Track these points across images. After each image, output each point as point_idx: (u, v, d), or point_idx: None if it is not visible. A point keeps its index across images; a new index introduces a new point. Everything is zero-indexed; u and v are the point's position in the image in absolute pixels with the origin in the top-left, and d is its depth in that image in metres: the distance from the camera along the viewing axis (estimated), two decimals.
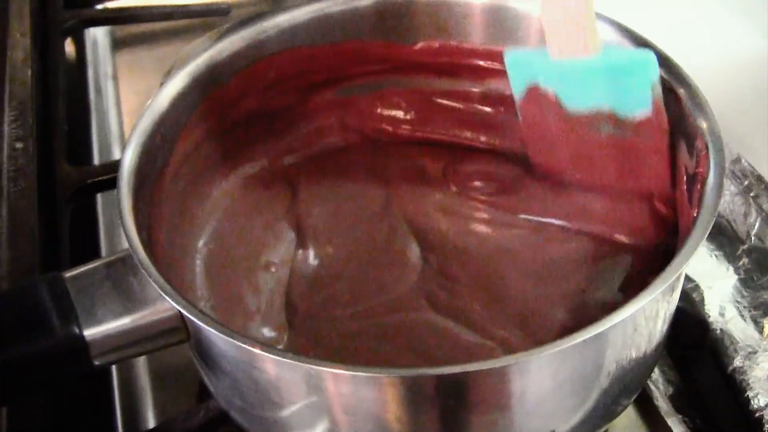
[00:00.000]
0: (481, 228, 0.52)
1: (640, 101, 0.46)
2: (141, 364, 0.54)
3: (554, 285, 0.48)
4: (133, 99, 0.75)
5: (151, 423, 0.51)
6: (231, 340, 0.36)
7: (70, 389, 0.51)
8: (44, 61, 0.72)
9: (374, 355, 0.46)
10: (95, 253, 0.62)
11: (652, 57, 0.45)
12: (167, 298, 0.37)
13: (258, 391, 0.39)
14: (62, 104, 0.68)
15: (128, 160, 0.43)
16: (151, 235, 0.44)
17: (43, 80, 0.69)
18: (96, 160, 0.70)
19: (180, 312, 0.39)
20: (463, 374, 0.35)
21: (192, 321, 0.37)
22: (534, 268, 0.49)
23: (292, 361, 0.35)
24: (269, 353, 0.36)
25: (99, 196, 0.65)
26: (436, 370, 0.35)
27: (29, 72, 0.66)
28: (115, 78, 0.78)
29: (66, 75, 0.73)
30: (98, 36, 0.82)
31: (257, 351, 0.36)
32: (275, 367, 0.37)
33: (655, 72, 0.45)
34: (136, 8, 0.79)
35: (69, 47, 0.82)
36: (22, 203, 0.57)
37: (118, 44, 0.81)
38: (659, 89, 0.45)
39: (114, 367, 0.55)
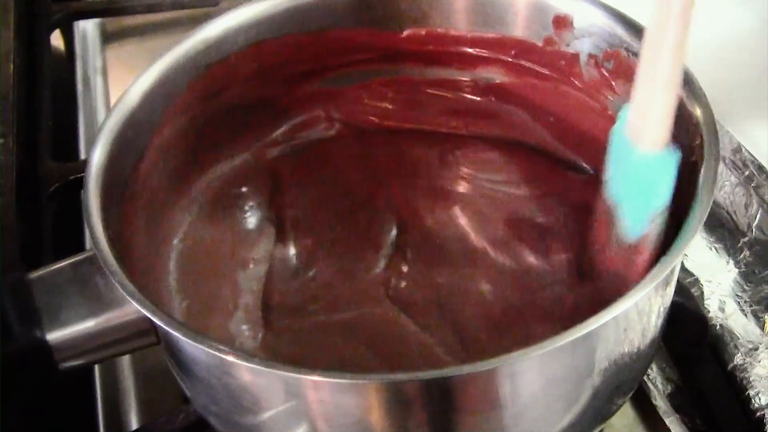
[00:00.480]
0: (462, 223, 0.51)
1: (635, 225, 0.40)
2: (125, 364, 0.53)
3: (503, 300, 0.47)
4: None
5: (134, 424, 0.50)
6: (197, 344, 0.34)
7: (52, 390, 0.50)
8: (30, 54, 0.71)
9: (336, 352, 0.45)
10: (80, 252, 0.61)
11: (667, 186, 0.39)
12: (131, 299, 0.36)
13: (231, 397, 0.38)
14: (47, 99, 0.67)
15: (97, 156, 0.42)
16: (124, 232, 0.43)
17: (28, 75, 0.68)
18: (83, 157, 0.69)
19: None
20: (437, 379, 0.34)
21: (158, 325, 0.36)
22: (493, 274, 0.48)
23: (261, 367, 0.34)
24: (237, 359, 0.34)
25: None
26: (410, 376, 0.34)
27: (11, 66, 0.65)
28: (104, 72, 0.76)
29: (54, 69, 0.72)
30: (88, 29, 0.81)
31: (226, 357, 0.34)
32: (247, 374, 0.36)
33: (660, 203, 0.39)
34: (125, 0, 0.78)
35: (58, 41, 0.81)
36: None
37: (108, 38, 0.80)
38: (657, 230, 0.39)
39: (97, 368, 0.54)
